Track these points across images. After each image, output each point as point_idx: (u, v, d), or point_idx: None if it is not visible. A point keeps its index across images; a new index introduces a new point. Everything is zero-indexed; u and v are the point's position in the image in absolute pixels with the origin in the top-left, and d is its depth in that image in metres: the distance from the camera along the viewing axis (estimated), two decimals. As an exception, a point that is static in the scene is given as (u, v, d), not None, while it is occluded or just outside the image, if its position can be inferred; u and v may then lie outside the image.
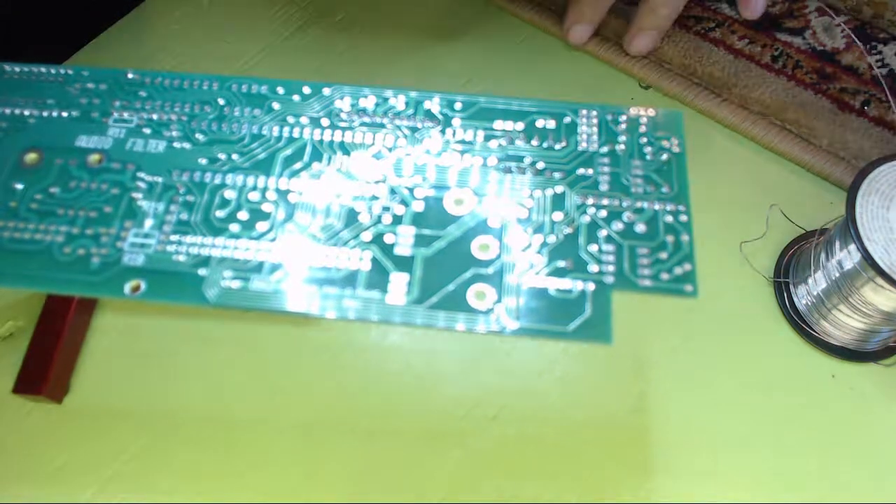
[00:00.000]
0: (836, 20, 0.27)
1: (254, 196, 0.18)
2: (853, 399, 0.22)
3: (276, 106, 0.19)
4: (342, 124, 0.19)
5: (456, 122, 0.19)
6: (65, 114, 0.19)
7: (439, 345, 0.23)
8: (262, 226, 0.17)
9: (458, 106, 0.19)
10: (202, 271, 0.17)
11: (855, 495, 0.21)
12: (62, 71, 0.20)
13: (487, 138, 0.19)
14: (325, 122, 0.19)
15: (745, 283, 0.24)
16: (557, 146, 0.18)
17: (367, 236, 0.17)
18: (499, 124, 0.19)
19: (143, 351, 0.23)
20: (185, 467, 0.21)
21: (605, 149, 0.18)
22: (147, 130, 0.19)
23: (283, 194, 0.18)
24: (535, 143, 0.19)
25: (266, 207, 0.18)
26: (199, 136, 0.19)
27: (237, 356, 0.23)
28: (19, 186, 0.18)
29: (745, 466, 0.21)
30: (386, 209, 0.18)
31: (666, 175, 0.18)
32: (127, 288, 0.17)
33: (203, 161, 0.18)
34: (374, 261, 0.17)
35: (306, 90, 0.19)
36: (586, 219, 0.17)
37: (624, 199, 0.18)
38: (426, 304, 0.16)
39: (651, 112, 0.19)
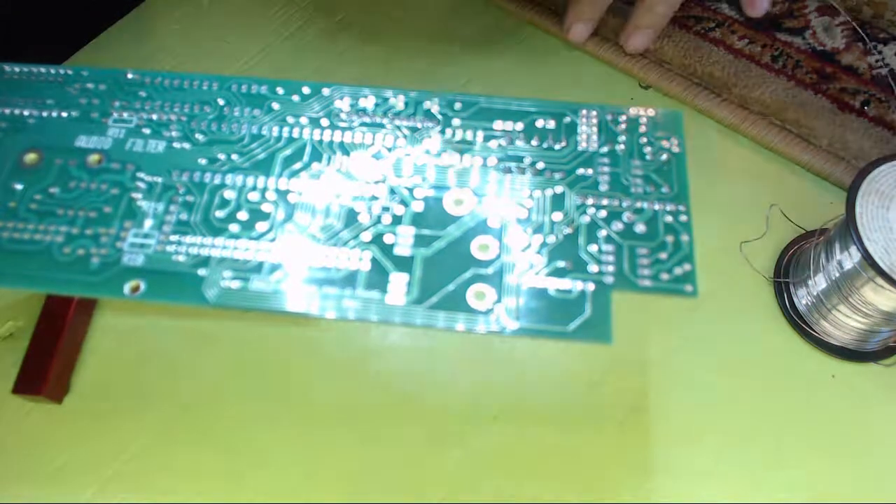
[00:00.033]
0: (839, 19, 0.27)
1: (253, 196, 0.18)
2: (853, 399, 0.22)
3: (275, 106, 0.19)
4: (342, 124, 0.19)
5: (456, 122, 0.19)
6: (64, 114, 0.19)
7: (439, 345, 0.23)
8: (261, 226, 0.17)
9: (457, 106, 0.19)
10: (202, 271, 0.17)
11: (855, 495, 0.21)
12: (62, 71, 0.20)
13: (487, 138, 0.19)
14: (324, 122, 0.19)
15: (745, 283, 0.24)
16: (557, 146, 0.18)
17: (366, 236, 0.17)
18: (499, 124, 0.19)
19: (143, 351, 0.23)
20: (185, 467, 0.21)
21: (604, 149, 0.18)
22: (147, 130, 0.19)
23: (282, 194, 0.18)
24: (534, 143, 0.19)
25: (266, 208, 0.18)
26: (199, 137, 0.19)
27: (237, 356, 0.23)
28: (19, 187, 0.18)
29: (745, 466, 0.21)
30: (386, 209, 0.18)
31: (666, 175, 0.18)
32: (126, 288, 0.17)
33: (203, 161, 0.18)
34: (374, 261, 0.17)
35: (306, 90, 0.19)
36: (586, 219, 0.17)
37: (624, 199, 0.18)
38: (426, 305, 0.16)
39: (651, 112, 0.19)
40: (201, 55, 0.30)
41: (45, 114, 0.19)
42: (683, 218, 0.17)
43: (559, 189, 0.18)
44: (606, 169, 0.18)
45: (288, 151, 0.19)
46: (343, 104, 0.19)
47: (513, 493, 0.21)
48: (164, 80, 0.20)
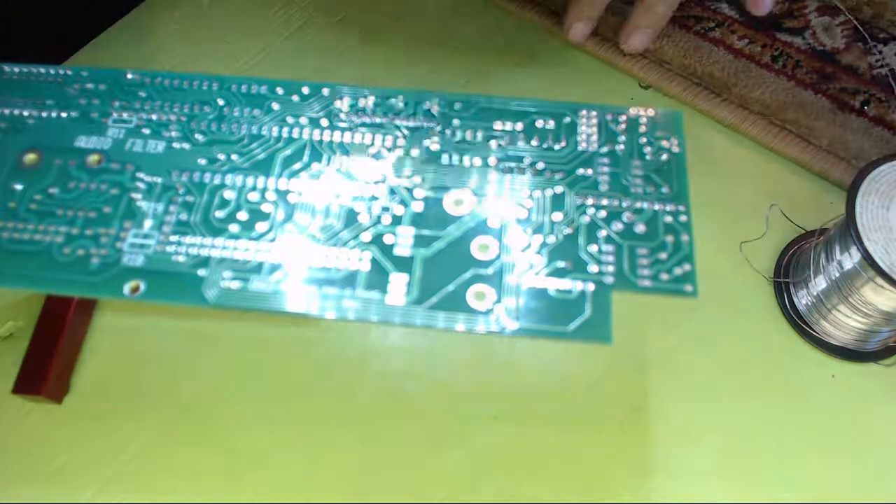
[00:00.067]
0: (839, 19, 0.27)
1: (253, 196, 0.18)
2: (853, 399, 0.22)
3: (275, 106, 0.19)
4: (342, 124, 0.19)
5: (456, 122, 0.19)
6: (64, 114, 0.19)
7: (439, 345, 0.23)
8: (261, 226, 0.17)
9: (457, 106, 0.19)
10: (202, 272, 0.17)
11: (855, 495, 0.21)
12: (61, 71, 0.20)
13: (487, 138, 0.19)
14: (324, 122, 0.19)
15: (745, 283, 0.24)
16: (557, 146, 0.18)
17: (366, 237, 0.17)
18: (498, 124, 0.19)
19: (143, 351, 0.23)
20: (185, 467, 0.21)
21: (604, 149, 0.18)
22: (146, 131, 0.19)
23: (282, 195, 0.18)
24: (534, 143, 0.19)
25: (265, 208, 0.18)
26: (199, 137, 0.19)
27: (237, 356, 0.23)
28: (18, 187, 0.18)
29: (745, 466, 0.21)
30: (385, 209, 0.18)
31: (666, 175, 0.18)
32: (126, 288, 0.17)
33: (202, 161, 0.18)
34: (374, 261, 0.17)
35: (306, 90, 0.19)
36: (586, 219, 0.17)
37: (624, 199, 0.18)
38: (426, 305, 0.16)
39: (651, 112, 0.19)
40: (201, 55, 0.30)
41: (44, 114, 0.19)
42: (683, 218, 0.17)
43: (559, 189, 0.18)
44: (606, 169, 0.18)
45: (288, 151, 0.19)
46: (343, 104, 0.19)
47: (513, 493, 0.21)
48: (164, 80, 0.20)
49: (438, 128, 0.19)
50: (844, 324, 0.22)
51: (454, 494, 0.21)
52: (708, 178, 0.25)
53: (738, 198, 0.26)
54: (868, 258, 0.19)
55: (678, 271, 0.17)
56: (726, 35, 0.29)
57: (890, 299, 0.20)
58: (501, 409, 0.22)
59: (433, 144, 0.19)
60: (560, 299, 0.16)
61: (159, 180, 0.18)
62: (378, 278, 0.17)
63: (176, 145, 0.19)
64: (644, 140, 0.18)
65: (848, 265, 0.21)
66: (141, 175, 0.18)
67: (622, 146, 0.18)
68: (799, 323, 0.23)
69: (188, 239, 0.17)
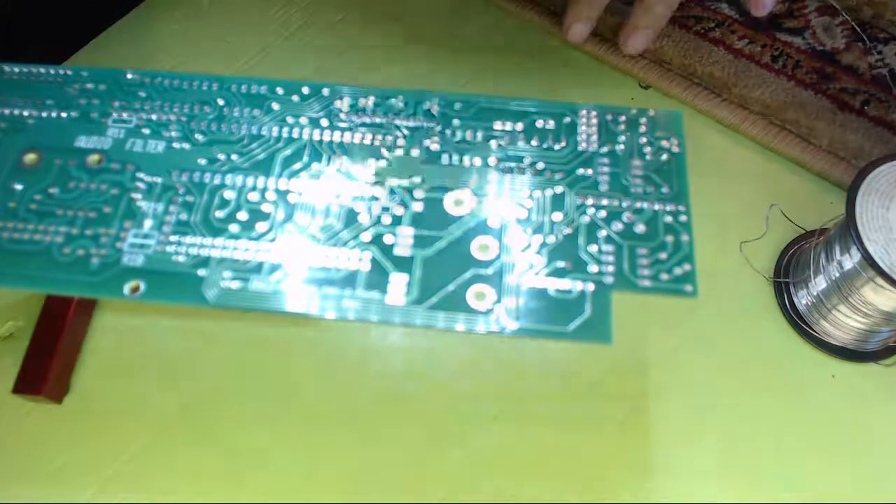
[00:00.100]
0: (839, 19, 0.27)
1: (253, 196, 0.18)
2: (853, 399, 0.22)
3: (275, 106, 0.19)
4: (342, 124, 0.19)
5: (456, 122, 0.19)
6: (64, 114, 0.19)
7: (439, 345, 0.23)
8: (261, 226, 0.17)
9: (457, 106, 0.19)
10: (202, 272, 0.17)
11: (855, 495, 0.21)
12: (61, 71, 0.20)
13: (487, 138, 0.19)
14: (324, 122, 0.19)
15: (745, 283, 0.24)
16: (557, 146, 0.18)
17: (366, 237, 0.17)
18: (498, 124, 0.19)
19: (143, 351, 0.23)
20: (185, 467, 0.21)
21: (604, 149, 0.18)
22: (146, 131, 0.19)
23: (282, 195, 0.18)
24: (534, 143, 0.18)
25: (265, 208, 0.18)
26: (199, 137, 0.19)
27: (237, 356, 0.23)
28: (18, 187, 0.18)
29: (745, 466, 0.21)
30: (385, 210, 0.18)
31: (665, 175, 0.18)
32: (126, 288, 0.17)
33: (202, 161, 0.18)
34: (374, 261, 0.17)
35: (306, 90, 0.19)
36: (586, 219, 0.17)
37: (623, 199, 0.18)
38: (426, 305, 0.16)
39: (651, 112, 0.19)
40: (201, 55, 0.30)
41: (44, 114, 0.19)
42: (683, 218, 0.17)
43: (559, 189, 0.18)
44: (606, 169, 0.18)
45: (288, 151, 0.19)
46: (343, 104, 0.19)
47: (513, 493, 0.21)
48: (164, 80, 0.20)
49: (438, 128, 0.19)
50: (844, 324, 0.22)
51: (454, 494, 0.21)
52: (708, 178, 0.25)
53: (738, 198, 0.26)
54: (868, 258, 0.19)
55: (678, 271, 0.17)
56: (726, 35, 0.29)
57: (890, 299, 0.20)
58: (501, 409, 0.22)
59: (433, 144, 0.19)
60: (560, 299, 0.16)
61: (159, 180, 0.18)
62: (378, 278, 0.17)
63: (176, 145, 0.19)
64: (644, 140, 0.18)
65: (848, 265, 0.21)
66: (141, 175, 0.18)
67: (622, 146, 0.18)
68: (799, 323, 0.23)
69: (188, 239, 0.17)
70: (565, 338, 0.16)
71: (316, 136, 0.19)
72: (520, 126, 0.19)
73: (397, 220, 0.17)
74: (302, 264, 0.17)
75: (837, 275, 0.21)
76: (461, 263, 0.17)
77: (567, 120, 0.19)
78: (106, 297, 0.17)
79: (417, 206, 0.18)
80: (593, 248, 0.17)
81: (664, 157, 0.18)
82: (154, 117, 0.19)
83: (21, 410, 0.22)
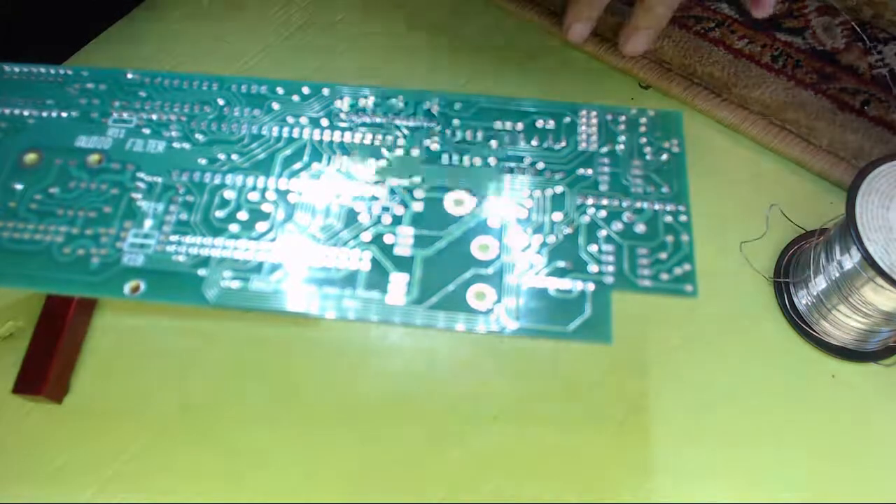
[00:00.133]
0: (839, 19, 0.27)
1: (253, 196, 0.18)
2: (853, 399, 0.22)
3: (275, 106, 0.19)
4: (342, 124, 0.19)
5: (456, 122, 0.19)
6: (64, 114, 0.19)
7: (439, 345, 0.23)
8: (261, 226, 0.17)
9: (457, 106, 0.19)
10: (202, 271, 0.17)
11: (855, 495, 0.21)
12: (62, 71, 0.20)
13: (487, 138, 0.19)
14: (324, 122, 0.19)
15: (745, 283, 0.24)
16: (557, 146, 0.18)
17: (366, 237, 0.17)
18: (498, 124, 0.19)
19: (143, 351, 0.23)
20: (185, 467, 0.21)
21: (604, 149, 0.18)
22: (147, 131, 0.19)
23: (282, 194, 0.18)
24: (534, 143, 0.19)
25: (266, 208, 0.18)
26: (199, 137, 0.19)
27: (237, 356, 0.23)
28: (19, 187, 0.18)
29: (745, 466, 0.21)
30: (385, 209, 0.18)
31: (666, 175, 0.18)
32: (126, 288, 0.17)
33: (203, 161, 0.18)
34: (374, 261, 0.17)
35: (306, 90, 0.19)
36: (586, 219, 0.17)
37: (624, 199, 0.18)
38: (426, 305, 0.16)
39: (651, 112, 0.19)
40: (201, 55, 0.30)
41: (44, 114, 0.19)
42: (683, 218, 0.17)
43: (559, 189, 0.18)
44: (606, 169, 0.18)
45: (288, 151, 0.19)
46: (343, 104, 0.19)
47: (513, 493, 0.21)
48: (164, 80, 0.20)
49: (438, 128, 0.19)
50: (844, 324, 0.22)
51: (454, 494, 0.21)
52: (708, 178, 0.25)
53: (738, 198, 0.26)
54: (868, 258, 0.19)
55: (678, 271, 0.17)
56: (726, 35, 0.29)
57: (890, 299, 0.20)
58: (501, 409, 0.22)
59: (433, 144, 0.19)
60: (560, 299, 0.16)
61: (159, 180, 0.18)
62: (378, 278, 0.17)
63: (176, 145, 0.19)
64: (644, 140, 0.19)
65: (848, 265, 0.21)
66: (141, 175, 0.18)
67: (622, 146, 0.18)
68: (799, 323, 0.23)
69: (188, 239, 0.17)
70: (565, 338, 0.16)
71: (316, 136, 0.19)
72: (520, 126, 0.19)
73: (397, 220, 0.17)
74: (302, 264, 0.17)
75: (837, 275, 0.21)
76: (461, 263, 0.17)
77: (567, 120, 0.19)
78: (106, 296, 0.17)
79: (417, 206, 0.18)
80: (593, 248, 0.17)
81: (664, 157, 0.18)
82: (154, 117, 0.19)
83: (21, 410, 0.22)
